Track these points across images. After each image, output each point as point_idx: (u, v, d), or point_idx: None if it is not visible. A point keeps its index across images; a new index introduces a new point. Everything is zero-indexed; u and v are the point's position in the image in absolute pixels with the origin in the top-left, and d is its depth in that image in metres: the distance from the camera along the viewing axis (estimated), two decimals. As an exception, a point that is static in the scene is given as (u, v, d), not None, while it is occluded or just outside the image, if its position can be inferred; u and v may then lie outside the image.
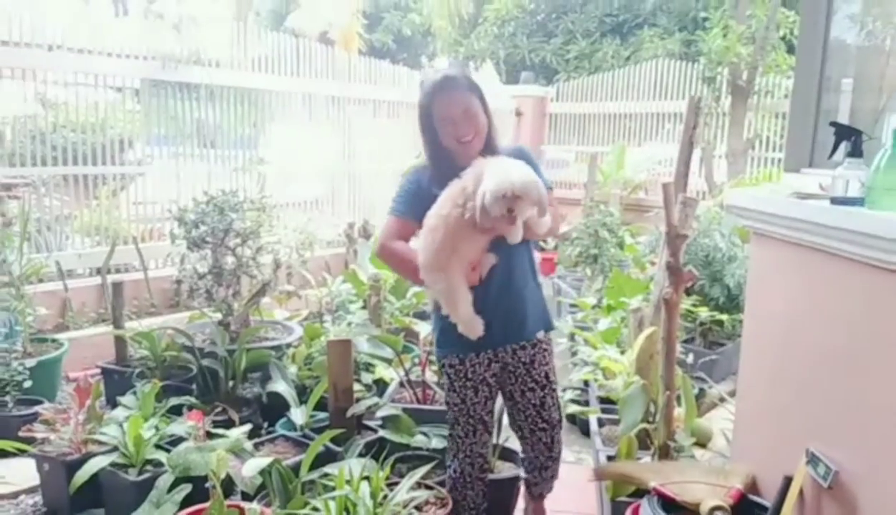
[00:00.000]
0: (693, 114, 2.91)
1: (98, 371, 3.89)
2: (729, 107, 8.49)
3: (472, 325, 2.22)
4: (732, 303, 4.61)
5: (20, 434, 2.97)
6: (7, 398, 3.50)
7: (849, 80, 2.54)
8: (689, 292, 4.42)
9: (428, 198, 2.24)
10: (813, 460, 1.88)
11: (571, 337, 4.44)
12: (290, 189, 6.70)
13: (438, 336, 2.42)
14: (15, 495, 3.03)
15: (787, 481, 1.97)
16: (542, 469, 2.57)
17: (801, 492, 1.95)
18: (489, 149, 2.29)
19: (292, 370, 3.67)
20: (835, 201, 1.85)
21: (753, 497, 2.19)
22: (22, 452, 2.85)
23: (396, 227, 2.32)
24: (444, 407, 3.30)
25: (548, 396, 2.45)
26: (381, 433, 3.04)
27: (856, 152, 1.88)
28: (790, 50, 8.18)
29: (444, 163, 2.30)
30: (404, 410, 3.12)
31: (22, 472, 3.06)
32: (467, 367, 2.35)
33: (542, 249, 7.33)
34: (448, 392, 2.43)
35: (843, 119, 2.40)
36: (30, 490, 3.05)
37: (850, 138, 1.91)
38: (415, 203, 2.28)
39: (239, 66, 6.27)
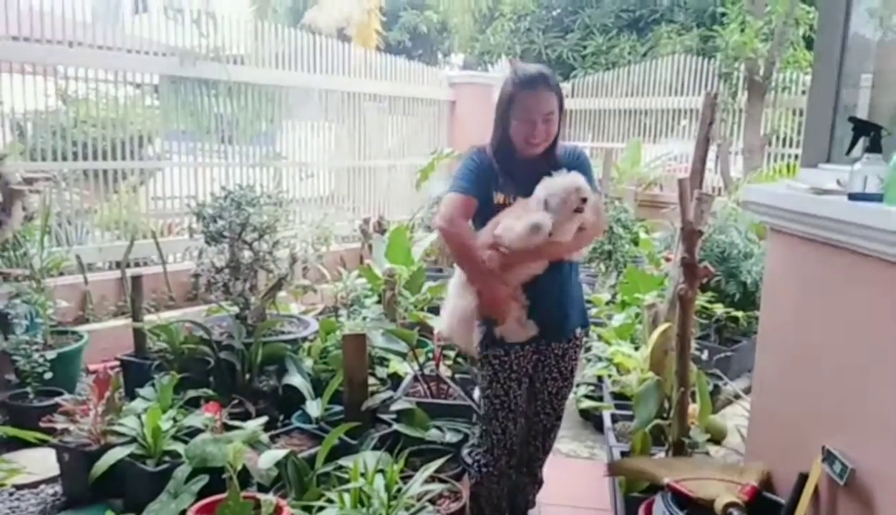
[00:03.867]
0: (709, 109, 2.89)
1: (117, 363, 3.94)
2: (745, 103, 8.42)
3: (467, 342, 2.38)
4: (748, 300, 4.58)
5: (41, 424, 3.01)
6: (28, 389, 3.55)
7: (868, 76, 2.51)
8: (704, 288, 4.39)
9: (490, 175, 2.29)
10: (829, 457, 1.87)
11: (585, 332, 4.42)
12: (306, 184, 6.73)
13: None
14: (35, 485, 3.07)
15: (803, 478, 1.96)
16: (532, 460, 2.57)
17: (816, 490, 1.94)
18: (550, 150, 2.31)
19: (308, 363, 3.69)
20: (853, 197, 1.84)
21: (768, 495, 2.18)
22: (42, 442, 2.86)
23: (463, 205, 2.28)
24: (457, 402, 3.34)
25: (564, 388, 2.48)
26: (396, 426, 3.05)
27: (875, 147, 1.87)
28: (809, 46, 8.10)
29: (505, 152, 2.31)
30: (419, 404, 3.14)
31: (42, 462, 3.10)
32: (512, 359, 2.35)
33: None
34: (490, 384, 2.39)
35: (862, 114, 2.36)
36: (50, 480, 3.09)
37: (869, 133, 1.89)
38: (479, 181, 2.29)
39: (256, 63, 6.31)
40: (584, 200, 2.18)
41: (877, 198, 1.77)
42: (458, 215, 2.27)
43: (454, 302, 2.36)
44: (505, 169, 2.29)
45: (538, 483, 2.68)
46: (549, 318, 2.34)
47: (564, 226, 2.20)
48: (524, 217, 2.19)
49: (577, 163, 2.34)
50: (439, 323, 2.50)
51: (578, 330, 2.46)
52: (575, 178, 2.21)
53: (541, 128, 2.23)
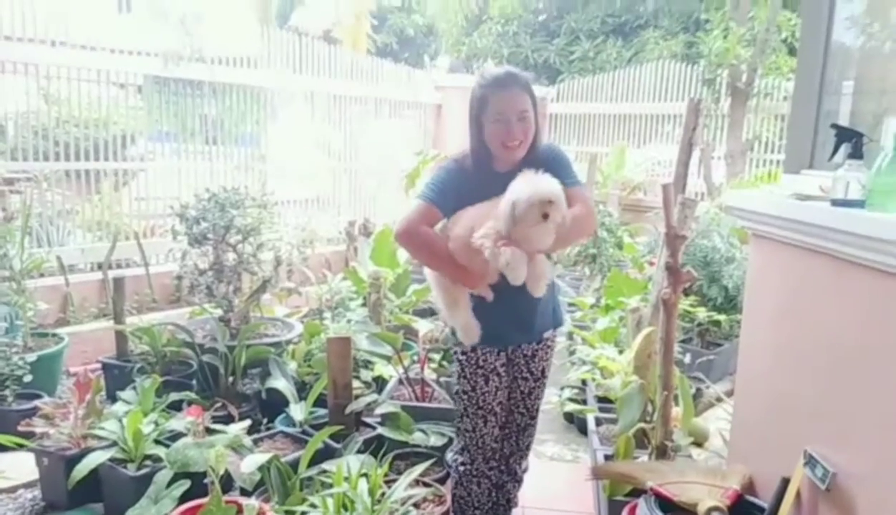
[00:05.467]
0: (693, 115, 2.92)
1: (98, 365, 3.90)
2: (728, 109, 8.53)
3: (469, 331, 2.29)
4: (730, 304, 4.62)
5: (19, 428, 2.97)
6: (7, 392, 3.50)
7: (850, 83, 2.53)
8: (687, 292, 4.42)
9: (464, 194, 2.22)
10: (811, 462, 1.87)
11: (570, 335, 4.45)
12: (291, 186, 6.70)
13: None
14: (14, 489, 3.03)
15: (785, 482, 1.97)
16: (510, 457, 2.56)
17: (798, 494, 1.95)
18: (530, 153, 2.23)
19: (292, 366, 3.67)
20: (835, 203, 1.85)
21: (750, 498, 2.19)
22: (21, 446, 2.84)
23: (425, 213, 2.22)
24: (442, 405, 3.34)
25: (537, 388, 2.47)
26: (380, 430, 3.05)
27: (857, 154, 1.87)
28: (791, 52, 8.21)
29: (482, 161, 2.25)
30: (403, 407, 3.13)
31: (21, 467, 3.07)
32: (479, 355, 2.34)
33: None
34: (459, 380, 2.39)
35: (844, 121, 2.38)
36: (28, 485, 3.05)
37: (851, 140, 1.89)
38: (447, 193, 2.23)
39: (242, 64, 6.28)
40: (551, 203, 2.06)
41: (859, 204, 1.78)
42: (419, 223, 2.20)
43: (443, 296, 2.32)
44: (482, 186, 2.21)
45: (517, 480, 2.67)
46: (517, 320, 2.32)
47: (533, 232, 2.10)
48: (491, 227, 2.11)
49: (555, 160, 2.26)
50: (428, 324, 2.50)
51: (549, 333, 2.44)
52: (542, 184, 2.08)
53: (516, 128, 2.15)
